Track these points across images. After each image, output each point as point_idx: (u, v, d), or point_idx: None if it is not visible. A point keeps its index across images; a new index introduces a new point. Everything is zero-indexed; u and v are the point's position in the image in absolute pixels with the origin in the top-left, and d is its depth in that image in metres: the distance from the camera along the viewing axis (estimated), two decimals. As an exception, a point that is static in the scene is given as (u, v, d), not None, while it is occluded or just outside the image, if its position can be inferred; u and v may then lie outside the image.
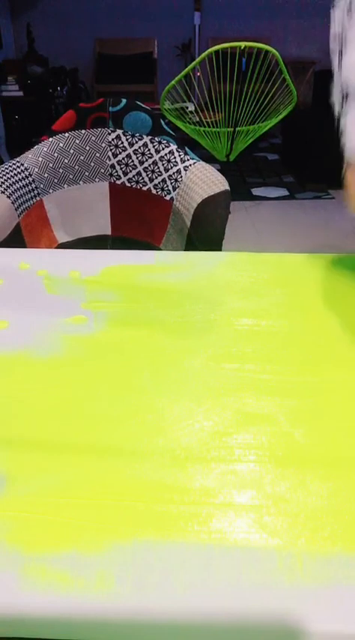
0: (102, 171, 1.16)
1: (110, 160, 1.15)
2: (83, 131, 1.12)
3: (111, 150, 1.14)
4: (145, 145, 1.12)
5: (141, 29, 3.97)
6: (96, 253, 0.74)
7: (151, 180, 1.13)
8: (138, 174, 1.14)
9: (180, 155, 1.11)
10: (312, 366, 0.54)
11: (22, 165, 1.07)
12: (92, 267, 0.70)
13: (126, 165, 1.14)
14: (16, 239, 1.02)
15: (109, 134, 1.13)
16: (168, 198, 1.12)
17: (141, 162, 1.13)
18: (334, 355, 0.56)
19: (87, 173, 1.15)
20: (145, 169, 1.13)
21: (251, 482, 0.43)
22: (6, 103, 3.43)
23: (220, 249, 0.99)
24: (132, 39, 3.97)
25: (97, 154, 1.14)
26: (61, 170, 1.12)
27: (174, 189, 1.10)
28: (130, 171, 1.15)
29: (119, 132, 1.13)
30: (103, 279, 0.69)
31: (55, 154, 1.10)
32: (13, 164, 1.06)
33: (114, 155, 1.14)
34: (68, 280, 0.68)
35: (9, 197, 1.01)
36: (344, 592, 0.36)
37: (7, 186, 1.01)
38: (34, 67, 3.61)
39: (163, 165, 1.12)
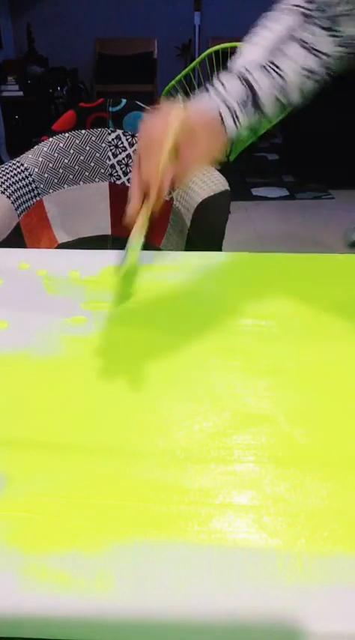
0: (102, 171, 1.16)
1: (110, 160, 1.15)
2: (83, 131, 1.12)
3: (111, 150, 1.14)
4: (145, 145, 1.12)
5: (141, 29, 3.97)
6: (96, 253, 0.74)
7: (151, 180, 1.13)
8: (138, 174, 1.14)
9: (180, 155, 1.11)
10: (313, 366, 0.54)
11: (22, 165, 1.07)
12: (92, 267, 0.70)
13: (126, 165, 1.14)
14: (16, 239, 1.01)
15: (109, 134, 1.13)
16: (167, 198, 1.12)
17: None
18: (335, 355, 0.56)
19: (87, 173, 1.15)
20: (145, 169, 1.13)
21: (250, 483, 0.43)
22: (6, 103, 3.42)
23: (220, 250, 0.99)
24: (132, 39, 3.96)
25: (97, 154, 1.14)
26: (61, 170, 1.12)
27: (174, 189, 1.10)
28: (130, 171, 1.15)
29: (119, 132, 1.13)
30: (103, 279, 0.69)
31: (55, 154, 1.10)
32: (13, 164, 1.06)
33: (114, 155, 1.14)
34: (68, 280, 0.68)
35: (9, 197, 1.01)
36: (344, 592, 0.36)
37: (7, 187, 1.01)
38: (34, 67, 3.60)
39: (163, 165, 1.12)
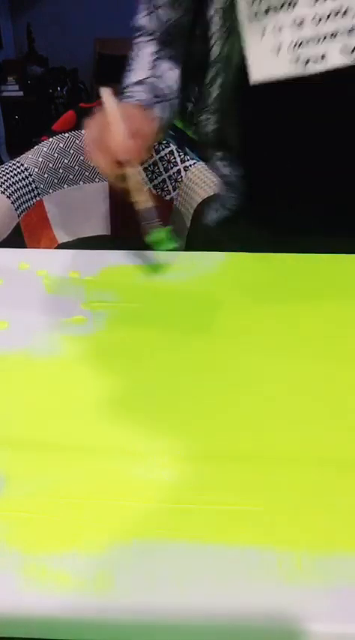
0: (102, 171, 1.15)
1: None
2: (83, 131, 1.12)
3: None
4: (145, 145, 1.12)
5: (141, 29, 3.96)
6: (96, 253, 0.74)
7: (151, 180, 1.13)
8: (138, 174, 1.14)
9: (180, 155, 1.11)
10: (314, 366, 0.54)
11: (22, 165, 1.07)
12: (92, 267, 0.70)
13: (126, 165, 1.14)
14: (16, 239, 1.02)
15: (109, 134, 1.13)
16: (168, 198, 1.12)
17: (141, 163, 1.12)
18: (336, 355, 0.56)
19: (87, 173, 1.15)
20: (145, 169, 1.13)
21: (251, 482, 0.43)
22: (6, 103, 3.42)
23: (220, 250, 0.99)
24: (132, 39, 3.96)
25: (97, 154, 1.14)
26: (61, 170, 1.12)
27: (174, 189, 1.10)
28: (130, 171, 1.14)
29: (119, 132, 1.13)
30: (103, 279, 0.69)
31: (55, 155, 1.10)
32: (13, 164, 1.06)
33: (114, 155, 1.14)
34: (68, 280, 0.68)
35: (9, 197, 1.01)
36: (344, 592, 0.36)
37: (7, 187, 1.01)
38: (34, 67, 3.60)
39: (163, 165, 1.12)
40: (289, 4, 0.61)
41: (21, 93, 3.51)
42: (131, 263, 0.71)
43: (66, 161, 1.12)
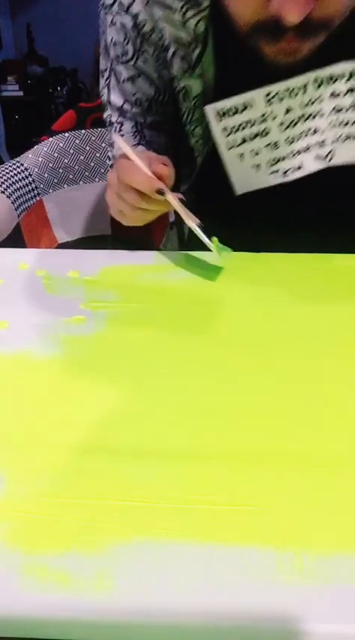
0: (102, 171, 1.16)
1: (110, 160, 1.14)
2: (83, 131, 1.12)
3: (111, 150, 1.14)
4: (145, 145, 1.12)
5: (141, 29, 3.96)
6: (96, 253, 0.74)
7: (151, 180, 1.13)
8: (138, 174, 1.13)
9: (180, 155, 1.11)
10: (313, 366, 0.54)
11: (22, 165, 1.07)
12: (92, 267, 0.70)
13: (126, 165, 1.14)
14: (16, 239, 1.01)
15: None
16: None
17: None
18: (336, 355, 0.56)
19: (87, 173, 1.15)
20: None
21: (251, 482, 0.43)
22: (6, 103, 3.42)
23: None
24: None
25: (97, 154, 1.14)
26: (61, 170, 1.12)
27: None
28: (130, 171, 1.14)
29: (119, 132, 1.13)
30: (103, 279, 0.69)
31: (55, 154, 1.10)
32: (13, 164, 1.06)
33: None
34: (67, 280, 0.68)
35: (9, 197, 1.01)
36: (344, 592, 0.36)
37: (7, 186, 1.01)
38: (34, 67, 3.60)
39: (163, 165, 1.12)
40: (262, 133, 0.66)
41: (21, 93, 3.51)
42: (131, 263, 0.72)
43: (66, 161, 1.12)
